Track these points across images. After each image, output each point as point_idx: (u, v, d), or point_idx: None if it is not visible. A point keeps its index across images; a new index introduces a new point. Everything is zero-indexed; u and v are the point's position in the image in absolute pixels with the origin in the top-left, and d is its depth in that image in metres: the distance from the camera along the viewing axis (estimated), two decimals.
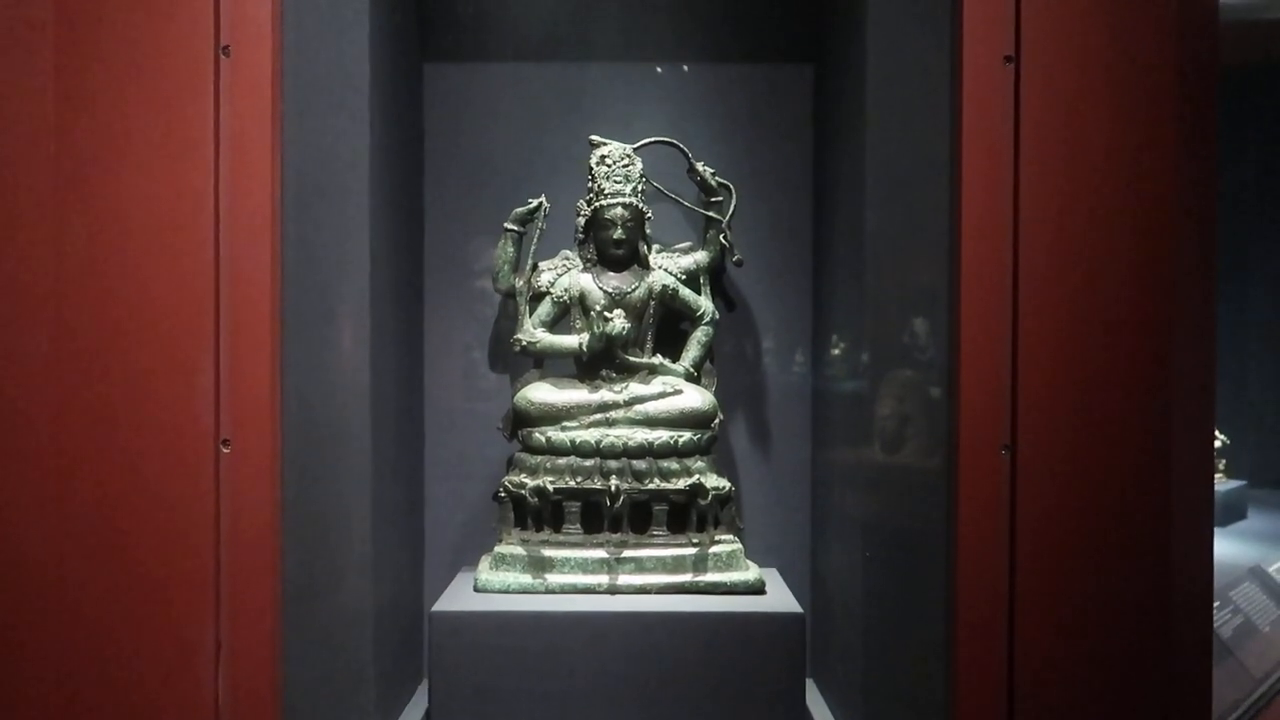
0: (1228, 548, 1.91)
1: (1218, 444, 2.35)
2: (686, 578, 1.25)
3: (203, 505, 0.87)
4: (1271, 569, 1.76)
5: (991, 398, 0.88)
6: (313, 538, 1.00)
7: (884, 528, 1.13)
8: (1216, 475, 2.30)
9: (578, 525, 1.28)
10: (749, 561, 1.30)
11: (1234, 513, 2.25)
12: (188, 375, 0.87)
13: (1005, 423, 0.89)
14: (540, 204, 1.35)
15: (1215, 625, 1.41)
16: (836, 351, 1.35)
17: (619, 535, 1.27)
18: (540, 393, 1.32)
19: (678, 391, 1.32)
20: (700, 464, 1.30)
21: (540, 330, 1.36)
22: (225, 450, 0.87)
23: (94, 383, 0.87)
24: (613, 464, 1.27)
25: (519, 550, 1.27)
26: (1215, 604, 1.46)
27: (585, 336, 1.33)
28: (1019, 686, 0.89)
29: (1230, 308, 2.73)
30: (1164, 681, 0.90)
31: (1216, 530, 2.11)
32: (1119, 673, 0.89)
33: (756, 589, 1.26)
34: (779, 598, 1.26)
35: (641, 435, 1.28)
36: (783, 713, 1.19)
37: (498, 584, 1.25)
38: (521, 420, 1.32)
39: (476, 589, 1.25)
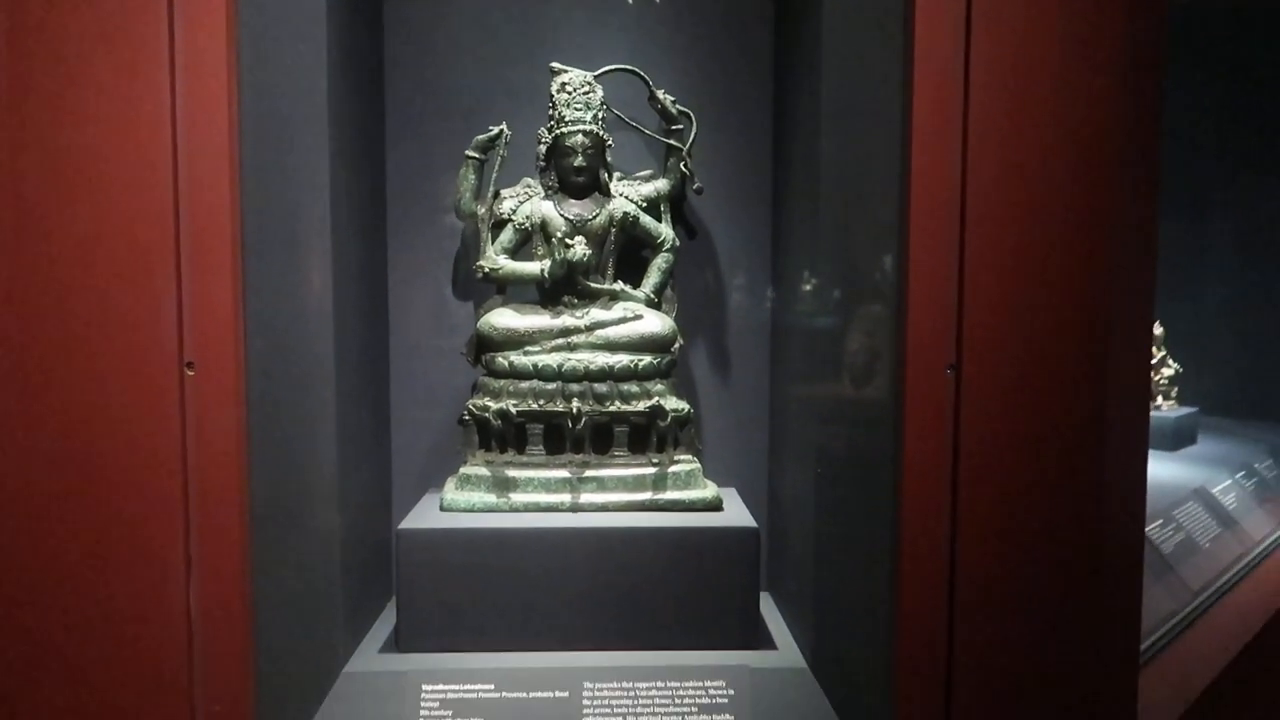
0: (1176, 471, 1.97)
1: (1170, 372, 2.41)
2: (646, 496, 1.28)
3: (169, 427, 0.87)
4: (1215, 490, 1.82)
5: (938, 320, 0.90)
6: (279, 459, 1.00)
7: (836, 447, 1.16)
8: (1169, 402, 2.36)
9: (540, 447, 1.30)
10: (707, 480, 1.33)
11: (1184, 438, 2.32)
12: (149, 299, 0.86)
13: (951, 344, 0.90)
14: (501, 131, 1.34)
15: (1157, 542, 1.47)
16: (794, 279, 1.36)
17: (581, 456, 1.29)
18: (503, 318, 1.33)
19: (638, 317, 1.33)
20: (660, 387, 1.32)
21: (503, 257, 1.36)
22: (190, 373, 0.86)
23: (56, 305, 0.85)
24: (574, 387, 1.29)
25: (483, 471, 1.29)
26: (1159, 522, 1.52)
27: (547, 263, 1.34)
28: (960, 595, 0.92)
29: (1188, 242, 2.78)
30: (1097, 590, 0.94)
31: (1167, 455, 2.19)
32: (1056, 581, 0.93)
33: (714, 506, 1.29)
34: (735, 514, 1.30)
35: (602, 359, 1.30)
36: (738, 623, 1.23)
37: (463, 503, 1.27)
38: (485, 345, 1.33)
39: (443, 508, 1.27)
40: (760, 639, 1.26)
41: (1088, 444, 0.92)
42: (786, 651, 1.25)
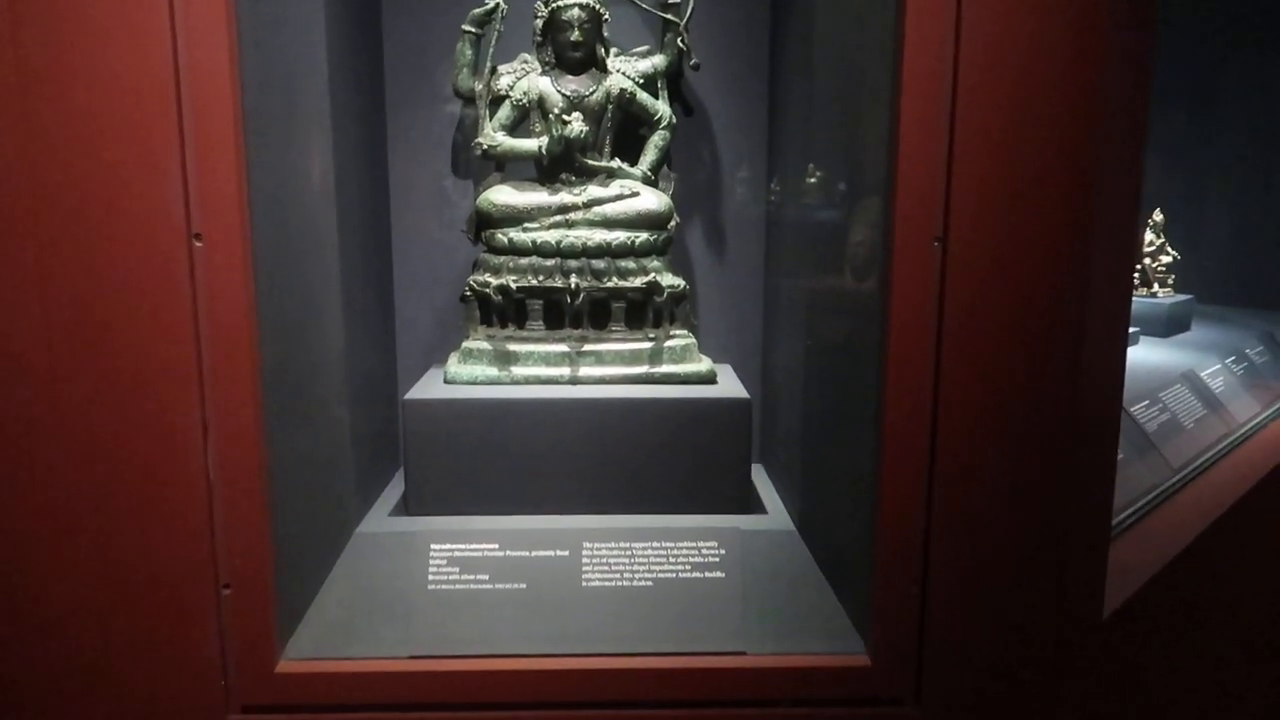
0: (1167, 356, 1.99)
1: (1168, 260, 2.41)
2: (643, 369, 1.30)
3: (180, 297, 0.88)
4: (1204, 374, 1.84)
5: (926, 193, 0.90)
6: (288, 331, 1.02)
7: (826, 322, 1.18)
8: (1165, 290, 2.37)
9: (540, 322, 1.31)
10: (702, 355, 1.35)
11: (1178, 325, 2.32)
12: (156, 174, 0.86)
13: (938, 216, 0.91)
14: (497, 5, 1.32)
15: (1142, 421, 1.50)
16: (791, 155, 1.35)
17: (579, 331, 1.31)
18: (502, 195, 1.33)
19: (635, 194, 1.33)
20: (656, 264, 1.33)
21: (500, 134, 1.36)
22: (198, 244, 0.87)
23: (66, 180, 0.86)
24: (572, 263, 1.30)
25: (485, 345, 1.30)
26: (1144, 403, 1.55)
27: (544, 140, 1.33)
28: (939, 464, 0.95)
29: (1190, 129, 2.73)
30: (1072, 462, 0.96)
31: (1159, 341, 2.19)
32: (1032, 452, 0.95)
33: (708, 379, 1.31)
34: (729, 386, 1.32)
35: (600, 236, 1.30)
36: (730, 489, 1.27)
37: (466, 376, 1.29)
38: (484, 222, 1.34)
39: (446, 381, 1.28)
40: (751, 505, 1.31)
41: (1070, 319, 0.92)
42: (776, 516, 1.28)
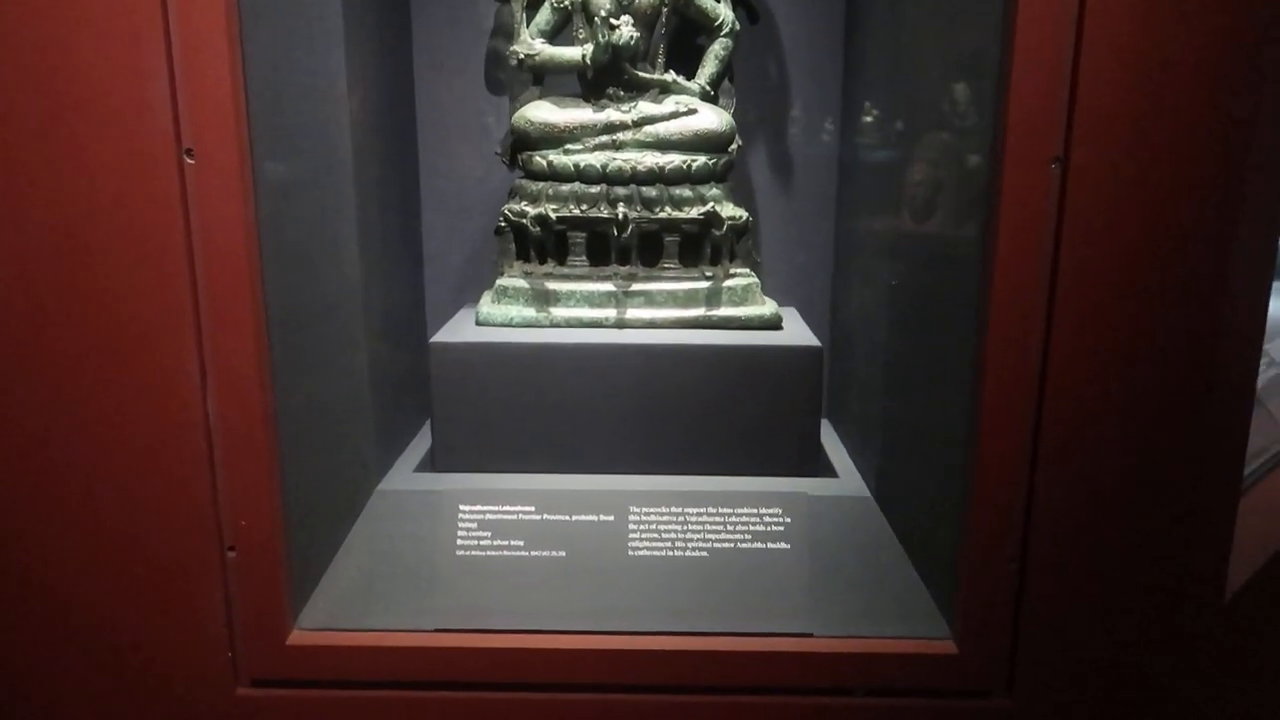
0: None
1: None
2: (699, 312, 1.23)
3: (170, 223, 0.82)
4: None
5: (1044, 105, 0.81)
6: (296, 260, 0.96)
7: (914, 260, 1.09)
8: None
9: (583, 257, 1.24)
10: (765, 296, 1.27)
11: None
12: (138, 78, 0.79)
13: (1059, 134, 0.81)
14: None
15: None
16: (870, 68, 1.25)
17: (627, 268, 1.24)
18: (540, 112, 1.25)
19: (692, 111, 1.24)
20: (715, 191, 1.24)
21: (539, 41, 1.27)
22: (189, 161, 0.81)
23: (33, 85, 0.80)
24: (620, 190, 1.22)
25: (522, 283, 1.24)
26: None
27: (589, 47, 1.24)
28: (1047, 423, 0.87)
29: None
30: (1203, 414, 0.88)
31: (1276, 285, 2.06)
32: (1160, 411, 0.87)
33: (773, 324, 1.24)
34: (796, 333, 1.25)
35: (651, 159, 1.22)
36: (796, 448, 1.19)
37: (500, 317, 1.23)
38: (521, 143, 1.26)
39: (479, 323, 1.24)
40: (820, 466, 1.23)
41: (1210, 254, 0.83)
42: (848, 479, 1.22)
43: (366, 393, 1.16)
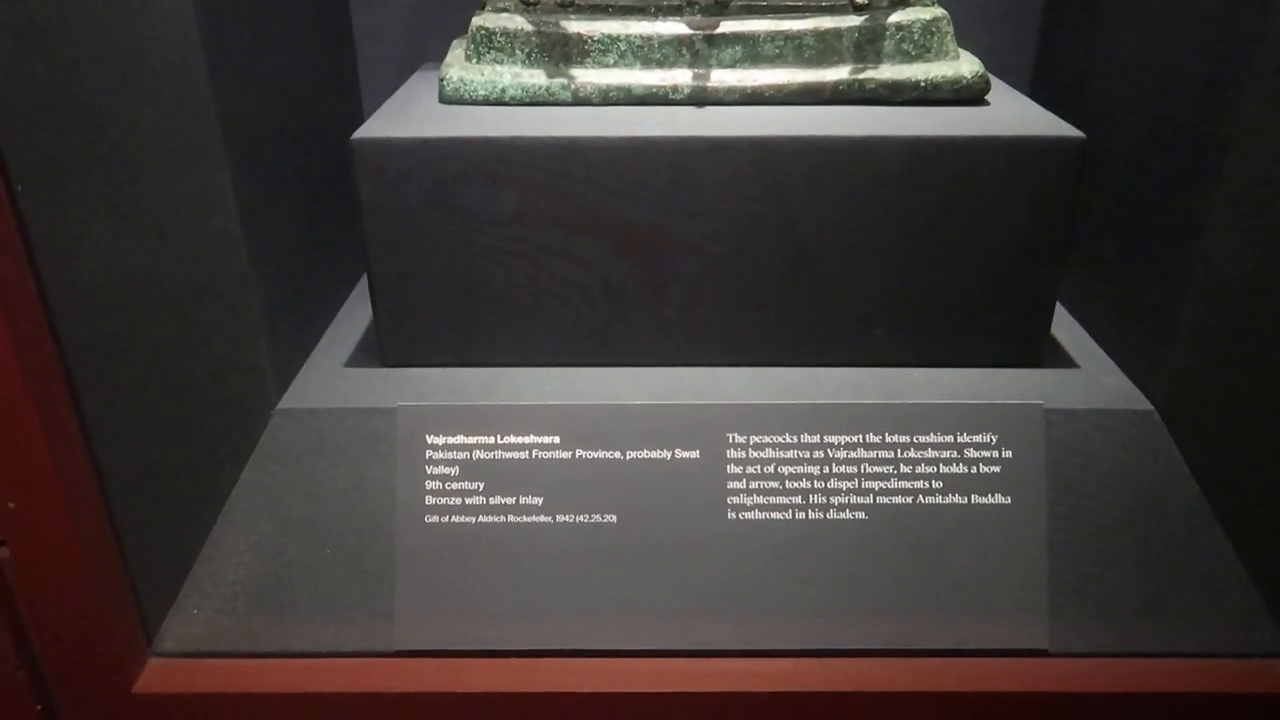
0: None
1: None
2: (842, 73, 1.01)
3: None
4: None
5: None
6: None
7: None
8: None
9: None
10: (959, 48, 1.06)
11: None
12: None
13: None
14: None
15: None
16: None
17: None
18: None
19: None
20: None
21: None
22: None
23: None
24: None
25: (518, 24, 1.03)
26: None
27: None
28: None
29: None
30: None
31: None
32: None
33: (974, 92, 1.02)
34: (1019, 111, 1.03)
35: None
36: (1018, 321, 0.98)
37: (481, 86, 1.02)
38: None
39: (443, 98, 1.05)
40: (1048, 351, 1.06)
41: None
42: (1100, 376, 1.03)
43: (240, 245, 0.92)
